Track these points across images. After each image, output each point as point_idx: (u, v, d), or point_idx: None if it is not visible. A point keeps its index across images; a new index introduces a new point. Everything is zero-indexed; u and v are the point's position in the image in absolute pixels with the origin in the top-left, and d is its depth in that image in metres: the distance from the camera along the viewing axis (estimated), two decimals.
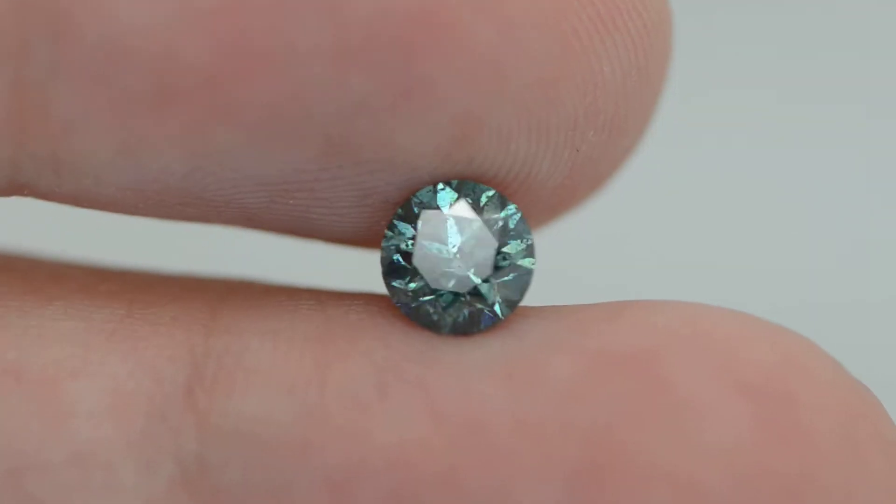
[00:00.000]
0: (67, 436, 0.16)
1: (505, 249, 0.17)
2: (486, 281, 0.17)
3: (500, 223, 0.17)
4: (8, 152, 0.16)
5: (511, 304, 0.17)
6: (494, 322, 0.17)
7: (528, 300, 0.17)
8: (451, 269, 0.17)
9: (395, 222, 0.17)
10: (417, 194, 0.17)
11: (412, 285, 0.17)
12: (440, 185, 0.17)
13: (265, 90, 0.15)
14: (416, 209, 0.17)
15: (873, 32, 0.40)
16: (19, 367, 0.16)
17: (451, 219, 0.17)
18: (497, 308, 0.17)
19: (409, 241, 0.17)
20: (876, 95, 0.39)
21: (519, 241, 0.17)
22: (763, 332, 0.16)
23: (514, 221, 0.17)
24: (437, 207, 0.17)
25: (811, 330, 0.17)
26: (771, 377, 0.16)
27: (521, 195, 0.17)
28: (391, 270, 0.17)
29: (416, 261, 0.17)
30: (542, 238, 0.18)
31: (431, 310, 0.17)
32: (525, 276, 0.17)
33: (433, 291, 0.17)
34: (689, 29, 0.22)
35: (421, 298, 0.17)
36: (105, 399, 0.16)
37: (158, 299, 0.17)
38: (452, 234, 0.17)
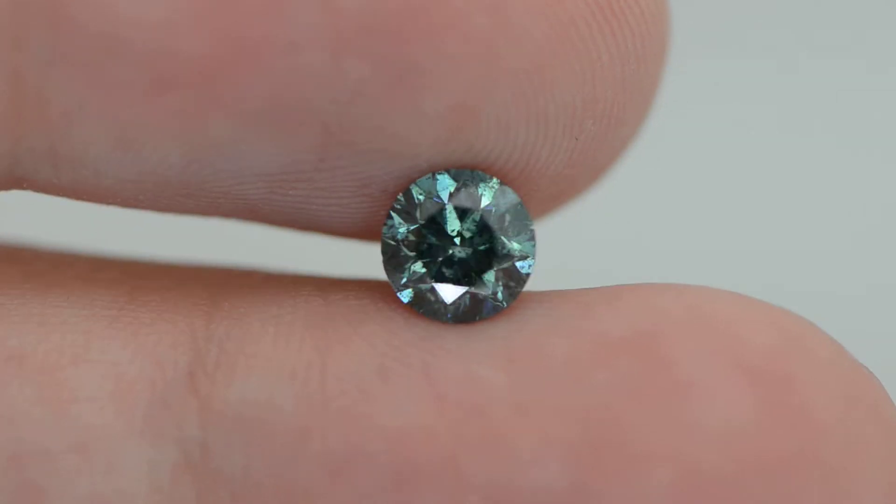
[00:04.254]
0: (69, 422, 0.16)
1: (505, 237, 0.17)
2: (487, 269, 0.17)
3: (501, 211, 0.17)
4: (6, 146, 0.16)
5: (513, 293, 0.17)
6: (496, 310, 0.17)
7: (530, 286, 0.17)
8: (452, 257, 0.17)
9: (396, 210, 0.17)
10: (417, 182, 0.17)
11: (413, 273, 0.17)
12: (440, 173, 0.17)
13: (260, 79, 0.15)
14: (416, 197, 0.17)
15: (876, 26, 0.40)
16: (21, 354, 0.16)
17: (450, 206, 0.17)
18: (499, 296, 0.17)
19: (410, 229, 0.17)
20: (879, 88, 0.39)
21: (519, 228, 0.17)
22: (763, 314, 0.16)
23: (515, 209, 0.17)
24: (438, 195, 0.17)
25: (811, 313, 0.17)
26: (771, 359, 0.16)
27: (521, 183, 0.17)
28: (392, 258, 0.17)
29: (416, 249, 0.17)
30: (543, 225, 0.18)
31: (433, 298, 0.17)
32: (526, 264, 0.17)
33: (434, 279, 0.17)
34: (687, 17, 0.22)
35: (422, 286, 0.17)
36: (107, 385, 0.16)
37: (159, 286, 0.17)
38: (452, 221, 0.17)
